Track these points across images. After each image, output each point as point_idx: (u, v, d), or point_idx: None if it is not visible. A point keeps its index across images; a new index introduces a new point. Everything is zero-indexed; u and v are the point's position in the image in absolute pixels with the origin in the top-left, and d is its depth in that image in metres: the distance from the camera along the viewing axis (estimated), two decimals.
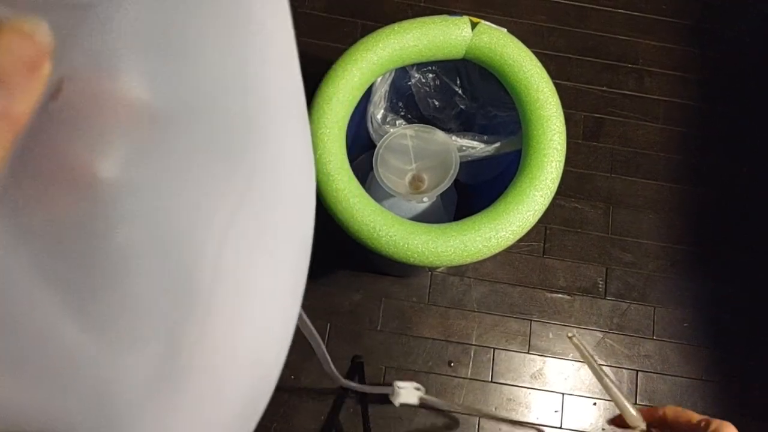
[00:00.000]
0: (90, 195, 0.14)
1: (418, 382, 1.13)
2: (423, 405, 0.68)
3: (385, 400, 1.11)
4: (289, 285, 0.22)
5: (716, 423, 0.37)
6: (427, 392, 0.72)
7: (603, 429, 1.12)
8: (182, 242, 0.16)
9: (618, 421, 0.42)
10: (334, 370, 0.52)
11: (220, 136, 0.17)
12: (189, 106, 0.16)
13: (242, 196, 0.18)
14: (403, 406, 0.76)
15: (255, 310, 0.20)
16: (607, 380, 0.44)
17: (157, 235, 0.15)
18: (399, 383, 0.70)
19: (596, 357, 1.03)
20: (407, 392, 0.70)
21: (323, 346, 0.41)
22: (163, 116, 0.15)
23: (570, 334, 0.47)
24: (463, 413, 1.11)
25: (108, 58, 0.14)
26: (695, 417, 0.38)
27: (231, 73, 0.17)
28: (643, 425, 0.40)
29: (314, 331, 0.37)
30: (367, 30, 0.80)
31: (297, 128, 0.22)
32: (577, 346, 0.47)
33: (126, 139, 0.14)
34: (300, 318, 0.32)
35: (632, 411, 0.41)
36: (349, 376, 1.08)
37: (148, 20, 0.14)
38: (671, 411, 0.39)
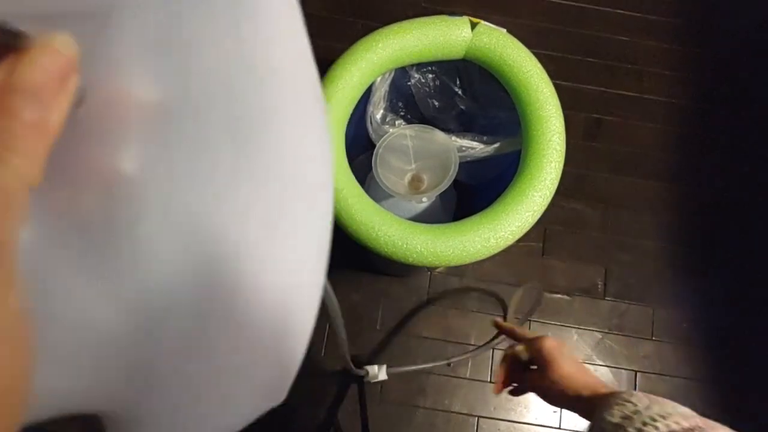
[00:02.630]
0: (115, 192, 0.15)
1: (417, 381, 1.13)
2: (392, 374, 0.84)
3: (384, 399, 1.11)
4: (312, 258, 0.23)
5: (539, 337, 0.54)
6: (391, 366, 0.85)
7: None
8: (202, 227, 0.17)
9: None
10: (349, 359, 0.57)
11: (232, 122, 0.18)
12: (200, 97, 0.17)
13: (260, 177, 0.19)
14: (377, 382, 0.89)
15: (280, 287, 0.21)
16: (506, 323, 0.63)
17: (177, 223, 0.16)
18: (367, 367, 0.82)
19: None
20: (379, 371, 0.82)
21: (342, 323, 0.44)
22: (177, 110, 0.16)
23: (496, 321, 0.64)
24: (460, 413, 1.11)
25: (124, 63, 0.15)
26: (528, 335, 0.57)
27: (238, 60, 0.18)
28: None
29: (336, 305, 0.39)
30: (367, 30, 0.80)
31: (310, 106, 0.22)
32: (500, 325, 0.63)
33: (144, 136, 0.15)
34: (325, 291, 0.33)
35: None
36: (348, 376, 1.08)
37: (156, 22, 0.15)
38: (520, 330, 0.60)
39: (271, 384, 0.23)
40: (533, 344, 0.54)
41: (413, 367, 0.84)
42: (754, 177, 1.28)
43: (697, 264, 1.23)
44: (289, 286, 0.22)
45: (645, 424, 0.40)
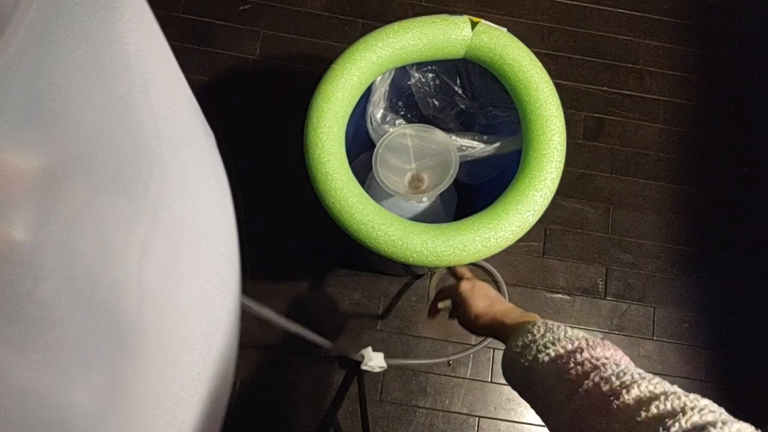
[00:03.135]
0: (9, 259, 0.15)
1: (417, 381, 1.13)
2: (391, 371, 0.86)
3: (384, 399, 1.10)
4: (219, 291, 0.24)
5: (457, 283, 0.62)
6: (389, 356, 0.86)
7: None
8: (101, 280, 0.18)
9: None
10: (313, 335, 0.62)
11: (117, 176, 0.18)
12: (83, 157, 0.17)
13: (151, 223, 0.19)
14: (376, 373, 0.92)
15: (187, 321, 0.22)
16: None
17: (76, 279, 0.17)
18: (364, 352, 0.83)
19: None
20: (377, 358, 0.81)
21: (281, 318, 0.47)
22: (61, 173, 0.16)
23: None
24: (460, 413, 1.11)
25: (5, 134, 0.15)
26: (464, 275, 0.67)
27: (116, 117, 0.18)
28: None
29: (267, 311, 0.41)
30: (367, 29, 0.80)
31: (197, 146, 0.23)
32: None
33: (31, 201, 0.16)
34: (245, 305, 0.34)
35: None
36: (348, 375, 1.08)
37: (29, 94, 0.15)
38: (459, 269, 0.70)
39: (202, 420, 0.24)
40: (454, 289, 0.62)
41: (411, 361, 0.84)
42: (754, 177, 1.28)
43: (697, 264, 1.23)
44: (196, 315, 0.22)
45: (539, 351, 0.43)
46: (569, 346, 0.42)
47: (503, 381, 1.14)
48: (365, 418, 1.02)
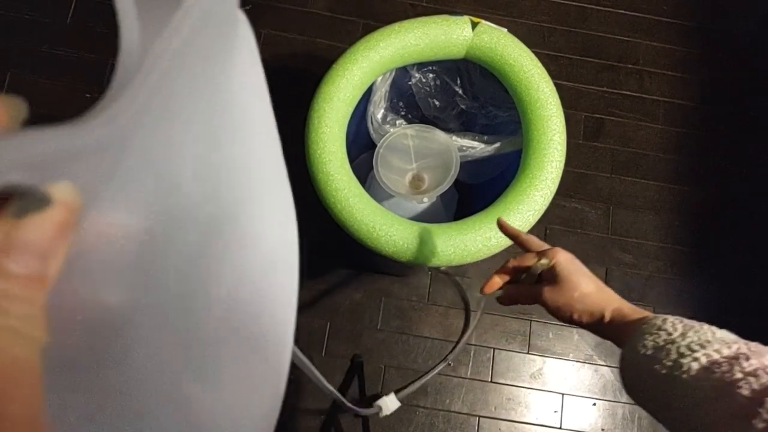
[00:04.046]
0: (103, 324, 0.15)
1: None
2: (404, 401, 0.80)
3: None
4: (280, 331, 0.24)
5: (552, 250, 0.49)
6: (401, 390, 0.81)
7: (602, 429, 1.13)
8: (185, 345, 0.17)
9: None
10: (328, 385, 0.54)
11: (210, 231, 0.18)
12: (181, 216, 0.17)
13: (238, 268, 0.19)
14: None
15: (254, 363, 0.22)
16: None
17: (164, 343, 0.16)
18: (379, 402, 0.79)
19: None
20: (390, 403, 0.78)
21: (315, 370, 0.44)
22: (158, 235, 0.16)
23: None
24: (461, 413, 1.11)
25: (116, 199, 0.14)
26: (537, 244, 0.52)
27: (214, 170, 0.18)
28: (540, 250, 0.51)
29: (305, 360, 0.39)
30: (368, 29, 0.80)
31: (278, 192, 0.23)
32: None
33: (130, 265, 0.15)
34: (294, 354, 0.34)
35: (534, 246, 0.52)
36: (348, 375, 1.08)
37: (143, 155, 0.15)
38: (525, 236, 0.54)
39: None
40: (545, 256, 0.48)
41: (419, 383, 0.82)
42: (753, 177, 1.28)
43: (697, 264, 1.23)
44: (261, 359, 0.22)
45: (682, 355, 0.34)
46: (725, 351, 0.33)
47: (503, 380, 1.14)
48: (366, 418, 1.02)
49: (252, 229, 0.21)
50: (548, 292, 0.47)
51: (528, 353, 1.15)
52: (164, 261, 0.16)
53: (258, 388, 0.23)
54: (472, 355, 1.14)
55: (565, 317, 0.46)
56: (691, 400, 0.32)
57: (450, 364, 1.13)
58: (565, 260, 0.47)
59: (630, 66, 1.33)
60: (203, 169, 0.17)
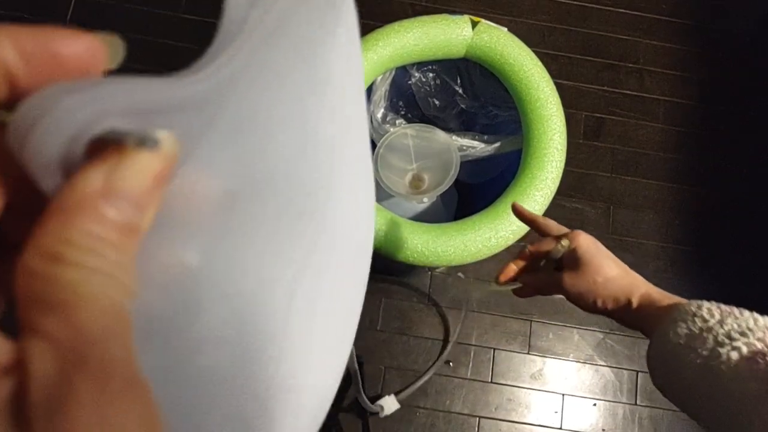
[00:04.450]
0: (179, 285, 0.15)
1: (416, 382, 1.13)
2: (402, 402, 0.81)
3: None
4: (347, 326, 0.23)
5: (572, 233, 0.44)
6: (401, 392, 0.82)
7: (603, 430, 1.12)
8: (256, 313, 0.17)
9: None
10: (365, 398, 0.54)
11: (289, 203, 0.18)
12: (264, 183, 0.17)
13: (308, 253, 0.19)
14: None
15: (318, 360, 0.21)
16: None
17: (233, 311, 0.16)
18: (380, 402, 0.80)
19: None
20: (391, 403, 0.79)
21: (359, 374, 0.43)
22: (242, 197, 0.16)
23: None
24: (461, 413, 1.11)
25: (205, 156, 0.14)
26: (555, 227, 0.47)
27: (301, 141, 0.18)
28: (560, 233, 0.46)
29: (355, 362, 0.39)
30: (367, 29, 0.80)
31: (361, 177, 0.22)
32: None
33: (209, 226, 0.15)
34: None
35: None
36: (348, 376, 1.08)
37: (240, 113, 0.15)
38: (544, 221, 0.48)
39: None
40: (565, 239, 0.44)
41: (418, 384, 0.82)
42: (754, 177, 1.28)
43: (697, 264, 1.23)
44: (325, 359, 0.22)
45: (720, 344, 0.31)
46: None
47: (504, 381, 1.14)
48: (366, 418, 1.01)
49: (334, 213, 0.20)
50: (569, 278, 0.43)
51: (528, 353, 1.15)
52: (243, 227, 0.16)
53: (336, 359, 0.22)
54: (472, 355, 1.14)
55: (588, 305, 0.42)
56: (731, 396, 0.29)
57: (450, 364, 1.13)
58: (586, 243, 0.44)
59: (630, 65, 1.33)
60: (290, 144, 0.17)
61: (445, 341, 0.77)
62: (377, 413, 0.79)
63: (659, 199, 1.26)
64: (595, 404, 1.14)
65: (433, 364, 0.80)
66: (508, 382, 1.13)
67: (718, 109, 1.32)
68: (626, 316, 0.40)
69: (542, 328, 1.16)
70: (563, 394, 1.13)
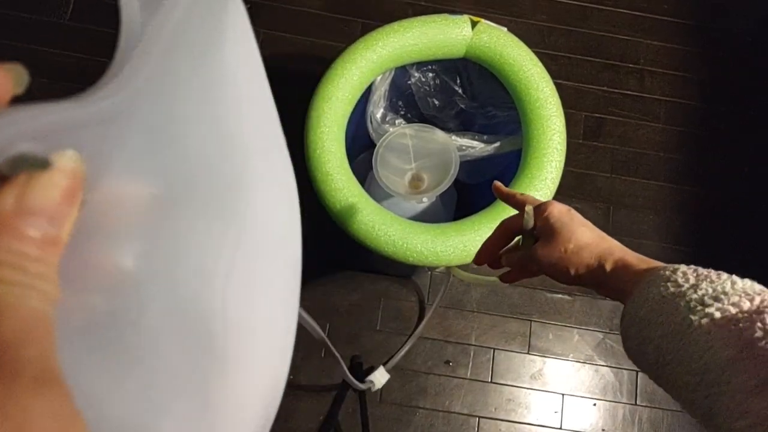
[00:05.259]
0: (118, 289, 0.16)
1: (417, 382, 1.13)
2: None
3: (384, 400, 1.10)
4: (286, 305, 0.25)
5: (545, 203, 0.43)
6: (388, 362, 0.84)
7: (603, 430, 1.12)
8: (196, 306, 0.18)
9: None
10: (351, 377, 0.54)
11: (213, 200, 0.19)
12: (186, 184, 0.18)
13: (236, 243, 0.20)
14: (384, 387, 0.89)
15: (261, 339, 0.22)
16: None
17: (175, 307, 0.17)
18: (370, 377, 0.81)
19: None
20: (380, 376, 0.80)
21: (325, 337, 0.45)
22: (167, 200, 0.17)
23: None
24: (460, 414, 1.11)
25: (124, 166, 0.15)
26: (531, 200, 0.45)
27: (216, 140, 0.19)
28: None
29: (315, 325, 0.40)
30: (367, 29, 0.80)
31: (277, 164, 0.24)
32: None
33: (141, 230, 0.16)
34: (300, 316, 0.34)
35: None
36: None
37: (151, 122, 0.16)
38: (521, 196, 0.47)
39: (262, 424, 0.24)
40: (538, 211, 0.43)
41: (404, 349, 0.82)
42: (754, 177, 1.28)
43: (697, 264, 1.23)
44: (269, 332, 0.23)
45: (692, 310, 0.29)
46: (746, 304, 0.28)
47: (503, 381, 1.14)
48: (365, 418, 1.01)
49: (255, 199, 0.21)
50: (541, 248, 0.41)
51: (528, 354, 1.15)
52: (173, 226, 0.17)
53: (265, 371, 0.24)
54: (471, 355, 1.14)
55: (563, 275, 0.40)
56: (704, 364, 0.27)
57: (450, 364, 1.13)
58: (558, 211, 0.41)
59: (630, 65, 1.33)
60: (204, 142, 0.19)
61: (423, 308, 0.77)
62: (369, 389, 0.81)
63: (659, 200, 1.26)
64: (594, 404, 1.13)
65: (416, 328, 0.81)
66: (508, 383, 1.13)
67: (719, 109, 1.32)
68: (601, 284, 0.38)
69: (542, 328, 1.16)
70: (563, 395, 1.13)
